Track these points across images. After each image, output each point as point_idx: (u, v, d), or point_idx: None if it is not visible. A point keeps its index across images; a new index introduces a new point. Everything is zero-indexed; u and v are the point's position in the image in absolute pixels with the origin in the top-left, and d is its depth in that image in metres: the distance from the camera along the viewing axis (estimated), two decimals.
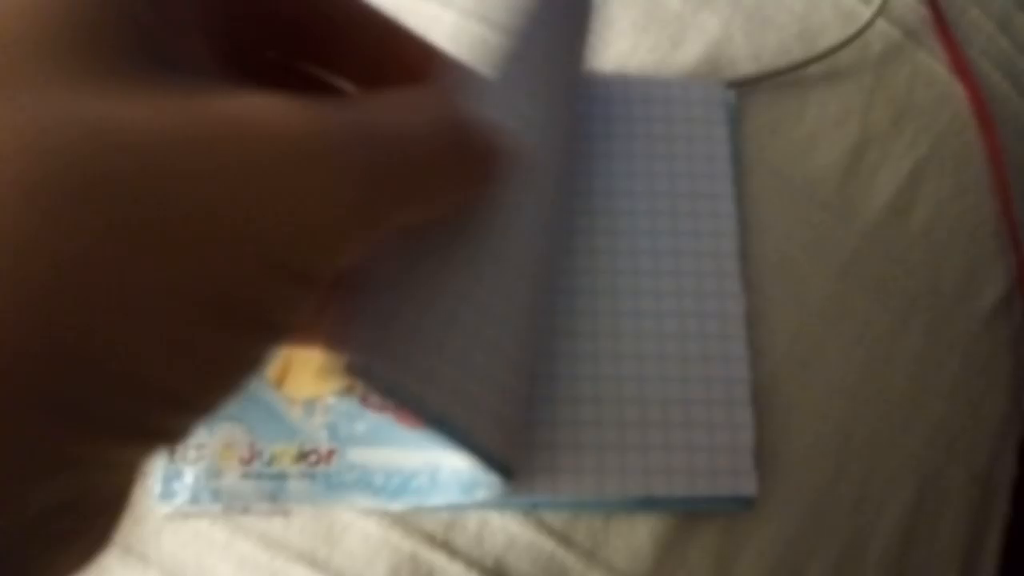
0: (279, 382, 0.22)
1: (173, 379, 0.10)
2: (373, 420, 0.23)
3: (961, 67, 0.31)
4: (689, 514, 0.23)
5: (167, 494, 0.21)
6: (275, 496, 0.22)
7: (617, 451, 0.22)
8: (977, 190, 0.30)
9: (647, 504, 0.22)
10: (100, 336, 0.09)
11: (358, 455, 0.22)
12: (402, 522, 0.22)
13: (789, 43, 0.29)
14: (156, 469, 0.21)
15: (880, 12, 0.29)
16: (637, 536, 0.22)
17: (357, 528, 0.22)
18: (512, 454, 0.19)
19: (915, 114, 0.30)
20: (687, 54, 0.28)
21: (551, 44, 0.21)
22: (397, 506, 0.22)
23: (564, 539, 0.22)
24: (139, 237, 0.10)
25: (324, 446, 0.22)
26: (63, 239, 0.09)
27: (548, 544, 0.22)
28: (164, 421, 0.11)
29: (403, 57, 0.17)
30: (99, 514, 0.11)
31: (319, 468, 0.22)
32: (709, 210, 0.25)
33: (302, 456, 0.22)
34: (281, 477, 0.22)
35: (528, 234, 0.19)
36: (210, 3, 0.13)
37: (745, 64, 0.28)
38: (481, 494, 0.22)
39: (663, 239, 0.25)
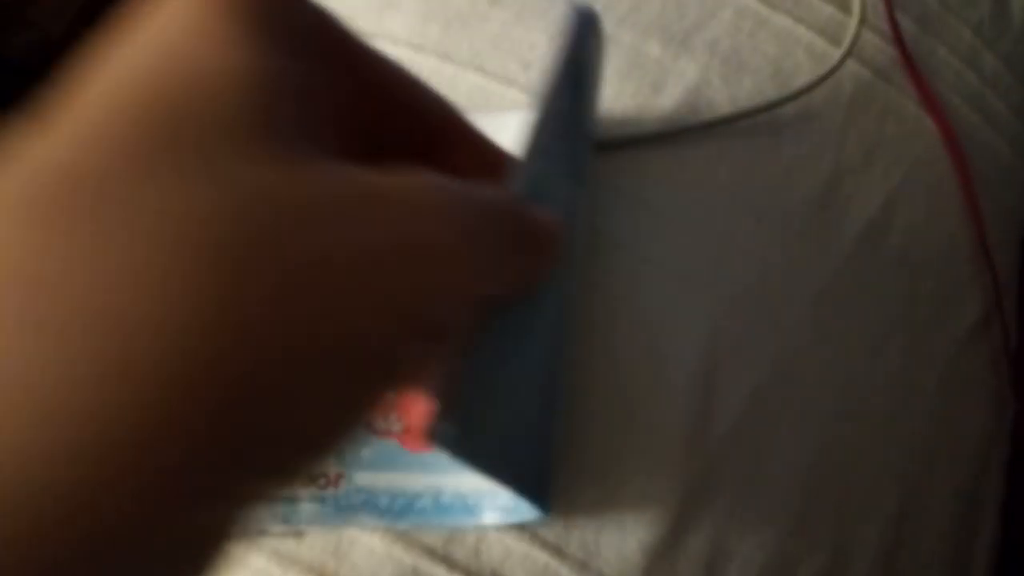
0: None
1: (313, 423, 0.12)
2: (379, 445, 0.24)
3: (930, 102, 0.32)
4: (678, 526, 0.24)
5: None
6: (288, 518, 0.23)
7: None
8: (950, 217, 0.32)
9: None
10: (265, 383, 0.11)
11: (364, 479, 0.24)
12: (404, 538, 0.23)
13: (764, 84, 0.31)
14: None
15: (849, 53, 0.31)
16: (627, 546, 0.24)
17: (363, 543, 0.23)
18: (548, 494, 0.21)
19: (887, 148, 0.31)
20: (667, 98, 0.30)
21: (574, 112, 0.23)
22: (402, 526, 0.23)
23: (557, 551, 0.23)
24: (302, 294, 0.11)
25: (332, 470, 0.24)
26: (243, 301, 0.10)
27: (542, 556, 0.23)
28: (297, 460, 0.12)
29: (485, 157, 0.19)
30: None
31: (328, 491, 0.23)
32: None
33: (312, 480, 0.24)
34: (293, 500, 0.23)
35: (560, 302, 0.21)
36: (342, 109, 0.15)
37: (722, 105, 0.30)
38: (489, 518, 0.23)
39: None
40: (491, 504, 0.23)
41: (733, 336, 0.27)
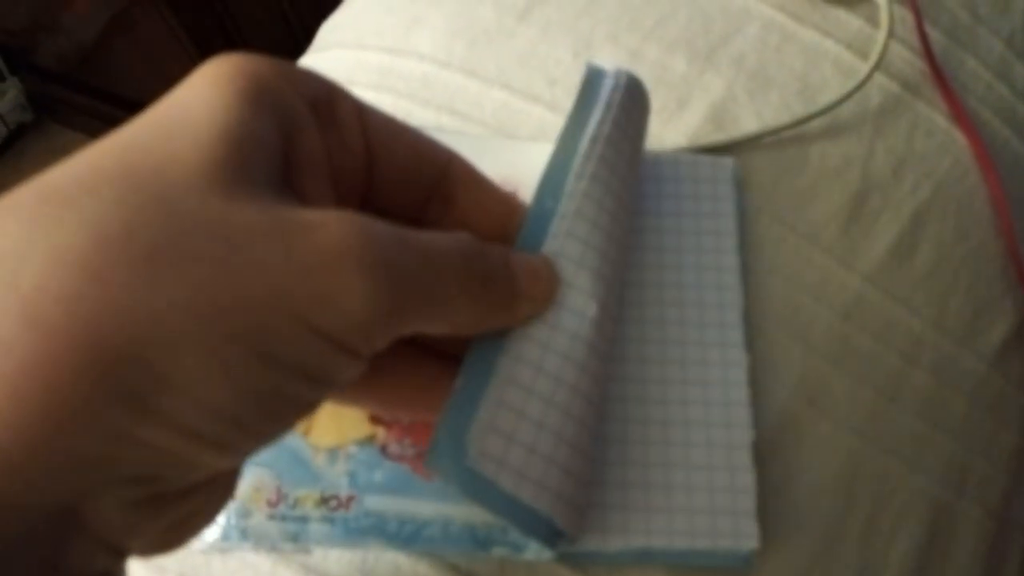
0: (306, 431, 0.25)
1: (227, 400, 0.14)
2: (391, 469, 0.24)
3: (960, 115, 0.32)
4: None
5: None
6: (297, 537, 0.23)
7: (620, 511, 0.24)
8: (981, 232, 0.31)
9: (647, 557, 0.23)
10: (172, 354, 0.13)
11: (375, 502, 0.24)
12: (429, 554, 0.24)
13: (790, 100, 0.31)
14: None
15: (877, 67, 0.31)
16: (654, 570, 0.24)
17: (388, 559, 0.24)
18: (570, 527, 0.21)
19: (916, 162, 0.31)
20: (692, 114, 0.30)
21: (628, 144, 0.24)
22: (409, 552, 0.23)
23: (582, 569, 0.24)
24: (216, 295, 0.13)
25: (344, 492, 0.24)
26: (171, 289, 0.13)
27: (567, 574, 0.23)
28: (218, 431, 0.14)
29: (493, 206, 0.21)
30: (175, 499, 0.15)
31: (338, 513, 0.24)
32: (714, 282, 0.27)
33: (323, 501, 0.24)
34: (303, 520, 0.24)
35: (604, 329, 0.21)
36: (316, 159, 0.17)
37: (748, 121, 0.30)
38: (497, 551, 0.23)
39: (670, 310, 0.26)
40: (500, 539, 0.23)
41: (760, 353, 0.27)
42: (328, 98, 0.18)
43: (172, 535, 0.16)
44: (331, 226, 0.15)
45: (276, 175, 0.16)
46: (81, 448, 0.12)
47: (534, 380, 0.20)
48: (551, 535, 0.20)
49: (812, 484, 0.26)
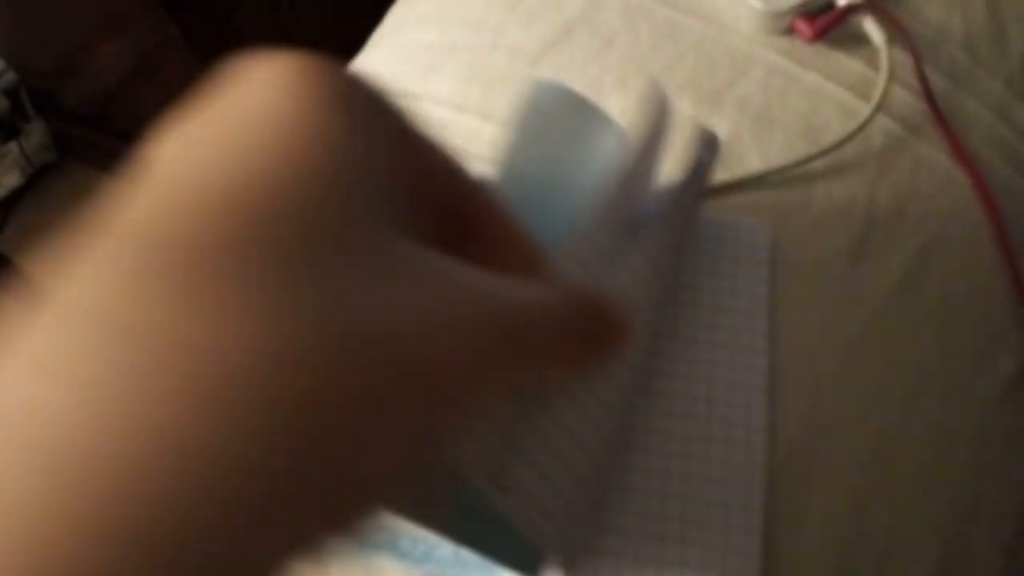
0: None
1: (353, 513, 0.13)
2: None
3: (962, 155, 0.33)
4: None
5: None
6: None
7: (634, 561, 0.24)
8: (985, 268, 0.32)
9: None
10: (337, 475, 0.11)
11: (391, 517, 0.24)
12: (431, 572, 0.24)
13: (794, 140, 0.32)
14: None
15: (879, 108, 0.32)
16: None
17: (396, 572, 0.24)
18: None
19: (919, 200, 0.32)
20: None
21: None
22: (418, 572, 0.24)
23: None
24: (387, 399, 0.11)
25: None
26: (332, 400, 0.11)
27: None
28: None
29: (518, 248, 0.19)
30: None
31: None
32: (746, 345, 0.28)
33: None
34: None
35: (623, 372, 0.22)
36: (413, 191, 0.14)
37: (753, 161, 0.31)
38: None
39: (698, 367, 0.27)
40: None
41: (769, 383, 0.27)
42: (383, 107, 0.15)
43: None
44: (535, 307, 0.14)
45: (397, 208, 0.13)
46: None
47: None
48: (526, 562, 0.20)
49: (823, 515, 0.26)
